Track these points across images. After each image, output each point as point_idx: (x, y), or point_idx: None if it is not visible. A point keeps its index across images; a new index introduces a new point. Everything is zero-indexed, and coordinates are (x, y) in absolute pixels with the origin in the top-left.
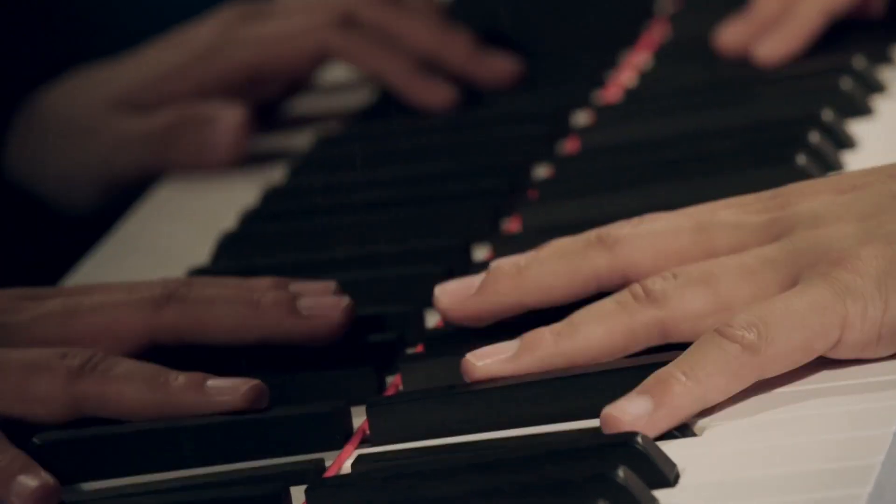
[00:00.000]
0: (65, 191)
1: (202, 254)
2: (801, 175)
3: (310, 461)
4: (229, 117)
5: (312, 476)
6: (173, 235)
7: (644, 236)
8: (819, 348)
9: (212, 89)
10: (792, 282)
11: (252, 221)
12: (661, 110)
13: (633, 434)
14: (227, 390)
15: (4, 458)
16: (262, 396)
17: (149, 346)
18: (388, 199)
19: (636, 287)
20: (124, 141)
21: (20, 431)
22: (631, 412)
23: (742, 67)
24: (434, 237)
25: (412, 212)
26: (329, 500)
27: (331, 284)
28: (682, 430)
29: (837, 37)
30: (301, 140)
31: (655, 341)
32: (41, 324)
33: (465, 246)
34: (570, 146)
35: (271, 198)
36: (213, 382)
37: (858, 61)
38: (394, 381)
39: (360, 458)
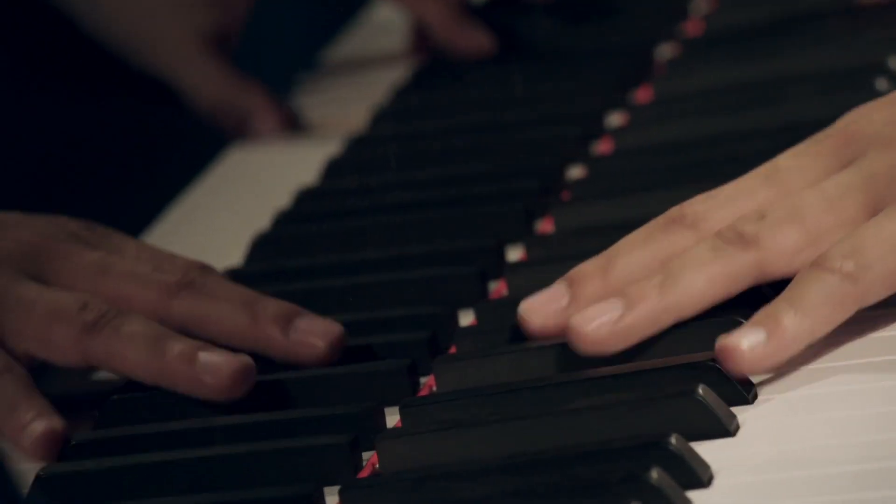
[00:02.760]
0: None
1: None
2: None
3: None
4: None
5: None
6: (241, 202)
7: (724, 205)
8: None
9: None
10: (875, 204)
11: (285, 223)
12: (694, 111)
13: (667, 435)
14: (212, 369)
15: (29, 413)
16: (247, 377)
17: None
18: (420, 201)
19: (727, 232)
20: None
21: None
22: (747, 341)
23: (775, 67)
24: (467, 238)
25: (445, 213)
26: (362, 500)
27: (333, 327)
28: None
29: (870, 35)
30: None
31: (753, 282)
32: (75, 274)
33: (498, 247)
34: (603, 147)
35: (304, 199)
36: (206, 357)
37: (894, 61)
38: (427, 382)
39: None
